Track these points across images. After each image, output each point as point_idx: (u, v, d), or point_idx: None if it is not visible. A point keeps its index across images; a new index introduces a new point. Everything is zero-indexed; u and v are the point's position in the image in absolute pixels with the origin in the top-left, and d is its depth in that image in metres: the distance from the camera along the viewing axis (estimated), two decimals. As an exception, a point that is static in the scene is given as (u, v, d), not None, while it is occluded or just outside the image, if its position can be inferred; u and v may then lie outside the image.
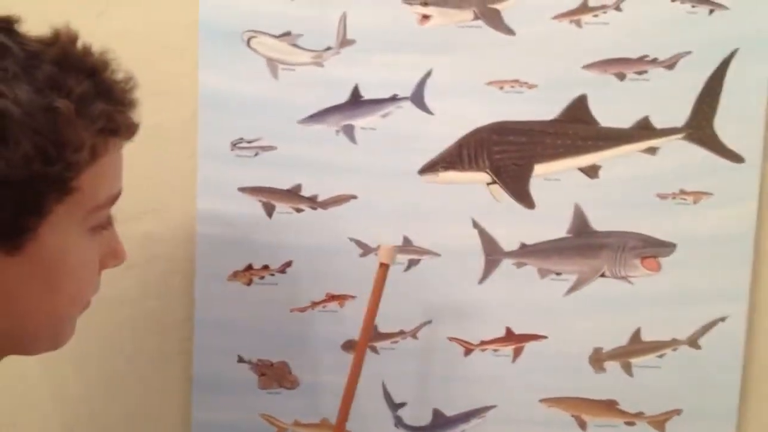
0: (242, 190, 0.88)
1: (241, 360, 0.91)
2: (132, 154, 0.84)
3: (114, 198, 0.52)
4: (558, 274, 0.87)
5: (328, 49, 0.85)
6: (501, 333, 0.88)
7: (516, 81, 0.84)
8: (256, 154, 0.87)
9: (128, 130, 0.52)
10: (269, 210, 0.88)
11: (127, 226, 0.85)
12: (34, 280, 0.48)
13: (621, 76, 0.84)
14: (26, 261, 0.46)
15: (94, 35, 0.88)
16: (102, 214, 0.51)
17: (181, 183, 0.89)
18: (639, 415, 0.88)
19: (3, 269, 0.46)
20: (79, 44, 0.51)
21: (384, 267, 0.80)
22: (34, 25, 0.88)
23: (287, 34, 0.84)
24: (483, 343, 0.89)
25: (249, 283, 0.89)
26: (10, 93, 0.42)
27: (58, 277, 0.50)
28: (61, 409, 0.96)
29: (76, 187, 0.47)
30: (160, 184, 0.90)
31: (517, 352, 0.88)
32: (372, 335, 0.84)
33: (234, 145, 0.87)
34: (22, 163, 0.42)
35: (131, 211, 0.86)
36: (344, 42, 0.84)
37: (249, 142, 0.86)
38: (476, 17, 0.83)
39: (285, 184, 0.88)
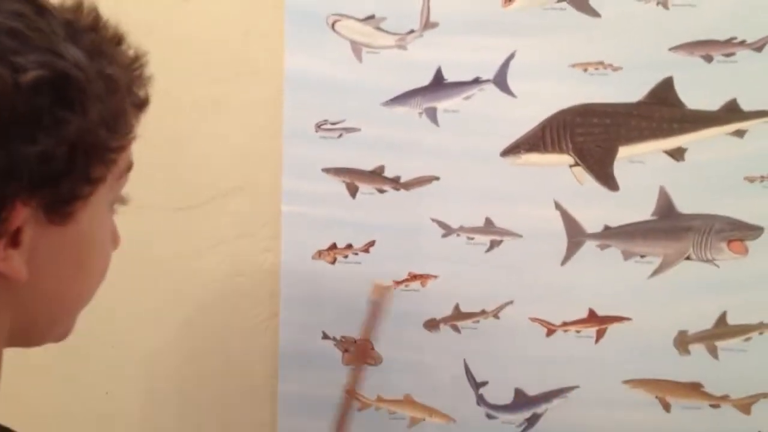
0: (326, 170, 0.96)
1: (325, 336, 1.00)
2: (219, 133, 0.96)
3: (130, 168, 0.52)
4: (642, 256, 0.92)
5: (412, 32, 0.92)
6: (583, 314, 0.95)
7: (600, 63, 0.89)
8: (340, 136, 0.95)
9: (146, 105, 0.52)
10: (353, 191, 0.97)
11: (216, 204, 0.97)
12: (68, 257, 0.48)
13: (708, 59, 0.89)
14: (64, 233, 0.46)
15: (181, 18, 0.99)
16: (119, 186, 0.51)
17: (267, 162, 0.98)
18: (724, 397, 0.93)
19: (44, 239, 0.45)
20: (100, 15, 0.49)
21: (374, 305, 0.87)
22: (128, 12, 1.00)
23: (371, 17, 0.93)
24: (565, 324, 0.95)
25: (333, 261, 0.98)
26: (69, 55, 0.43)
27: (89, 255, 0.50)
28: (150, 382, 1.07)
29: (115, 161, 0.48)
30: (247, 163, 0.99)
31: (600, 334, 0.95)
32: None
33: (318, 126, 0.95)
34: (89, 129, 0.44)
35: (220, 189, 0.98)
36: (428, 25, 0.92)
37: (333, 123, 0.95)
38: None
39: (368, 166, 0.96)
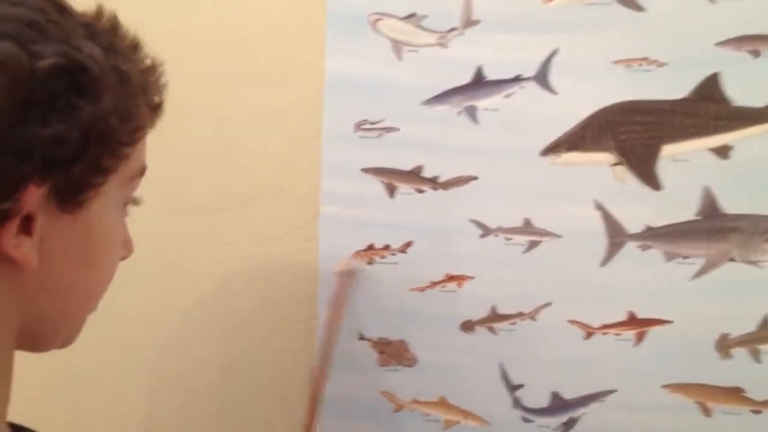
0: (365, 170, 0.97)
1: (361, 337, 1.01)
2: (259, 135, 0.97)
3: (143, 170, 0.54)
4: (685, 257, 0.92)
5: (453, 29, 0.93)
6: (623, 317, 0.94)
7: (645, 59, 0.89)
8: (379, 136, 0.96)
9: (160, 110, 0.54)
10: (391, 191, 0.97)
11: (255, 206, 0.98)
12: (77, 250, 0.49)
13: (756, 54, 0.88)
14: (74, 224, 0.48)
15: (222, 21, 1.01)
16: (132, 187, 0.53)
17: (306, 164, 0.99)
18: (766, 403, 0.92)
19: (55, 228, 0.46)
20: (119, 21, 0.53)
21: (338, 276, 0.89)
22: (164, 12, 1.01)
23: (412, 15, 0.94)
24: (604, 326, 0.95)
25: (370, 262, 0.99)
26: (85, 49, 0.45)
27: (97, 250, 0.51)
28: (187, 381, 1.08)
29: (128, 156, 0.50)
30: (286, 164, 1.01)
31: (640, 337, 0.94)
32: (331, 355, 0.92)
33: (358, 126, 0.96)
34: (101, 117, 0.45)
35: (259, 191, 0.99)
36: (469, 22, 0.92)
37: (372, 123, 0.96)
38: None
39: (407, 165, 0.96)
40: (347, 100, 0.95)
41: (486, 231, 0.96)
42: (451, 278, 0.98)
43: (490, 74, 0.92)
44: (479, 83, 0.92)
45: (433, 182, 0.95)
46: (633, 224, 0.93)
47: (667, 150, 0.91)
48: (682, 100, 0.89)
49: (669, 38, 0.88)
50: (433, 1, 0.92)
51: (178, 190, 0.97)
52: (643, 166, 0.90)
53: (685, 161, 0.90)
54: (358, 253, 0.98)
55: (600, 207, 0.93)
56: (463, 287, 0.98)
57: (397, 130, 0.95)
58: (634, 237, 0.93)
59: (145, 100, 0.52)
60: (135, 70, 0.53)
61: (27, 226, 0.48)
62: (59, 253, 0.48)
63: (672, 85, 0.89)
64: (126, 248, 0.56)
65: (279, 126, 0.99)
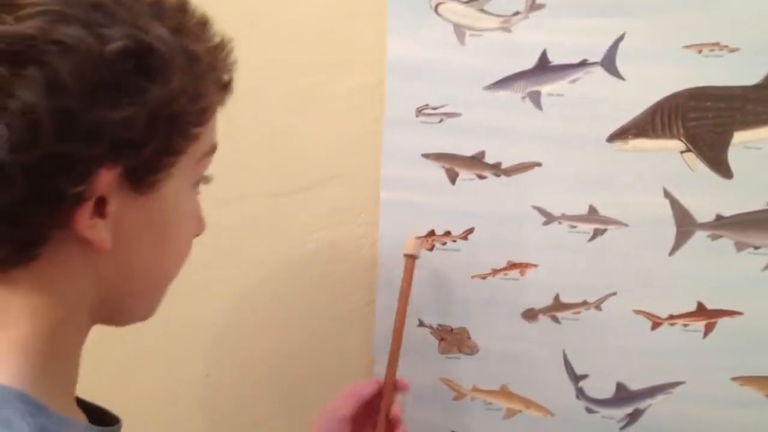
0: (426, 156, 0.97)
1: (421, 324, 1.01)
2: (320, 119, 0.98)
3: (214, 149, 0.55)
4: (756, 248, 0.90)
5: (517, 13, 0.92)
6: (692, 308, 0.93)
7: (716, 44, 0.87)
8: (440, 121, 0.96)
9: (229, 89, 0.55)
10: (452, 176, 0.97)
11: (314, 191, 0.99)
12: (152, 229, 0.51)
13: (833, 40, 0.84)
14: (147, 205, 0.50)
15: (283, 5, 1.02)
16: (203, 166, 0.54)
17: (366, 148, 1.00)
18: (841, 397, 0.88)
19: (128, 209, 0.48)
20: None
21: (410, 259, 0.89)
22: (231, 5, 1.02)
23: (475, -1, 0.93)
24: (672, 317, 0.94)
25: (431, 248, 0.99)
26: (152, 30, 0.46)
27: (172, 228, 0.53)
28: (248, 366, 1.10)
29: (198, 136, 0.51)
30: (346, 149, 1.01)
31: (709, 328, 0.93)
32: (401, 338, 0.91)
33: (419, 111, 0.96)
34: (169, 98, 0.46)
35: (318, 176, 1.00)
36: (533, 6, 0.91)
37: (434, 108, 0.96)
38: None
39: (469, 151, 0.97)
40: (409, 84, 0.95)
41: (549, 218, 0.96)
42: (513, 266, 0.98)
43: (555, 59, 0.91)
44: (543, 68, 0.91)
45: (496, 168, 0.95)
46: (703, 213, 0.92)
47: (739, 137, 0.89)
48: (755, 87, 0.87)
49: (741, 23, 0.86)
50: (496, -16, 0.87)
51: (238, 174, 0.99)
52: (714, 154, 0.89)
53: (757, 149, 0.89)
54: (419, 238, 0.97)
55: (668, 195, 0.92)
56: (526, 275, 0.98)
57: (459, 115, 0.95)
58: (704, 226, 0.91)
59: (213, 79, 0.53)
60: (203, 49, 0.54)
61: (101, 208, 0.50)
62: (134, 233, 0.50)
63: (744, 72, 0.87)
64: (199, 226, 0.57)
65: (340, 111, 0.99)
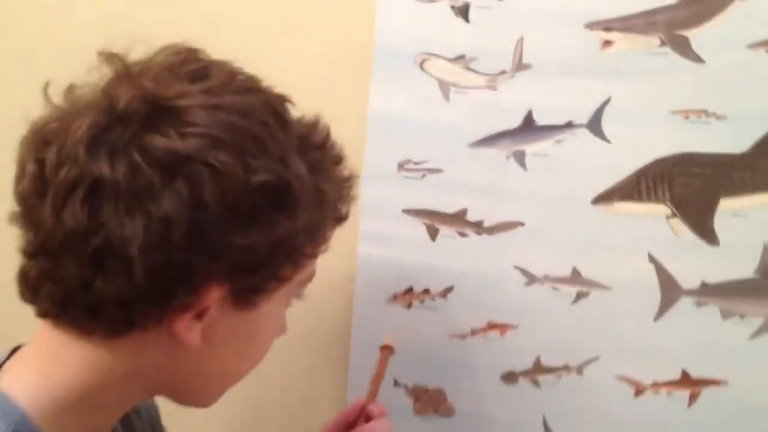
0: (407, 211, 0.98)
1: (396, 384, 1.01)
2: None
3: (311, 276, 0.60)
4: (742, 316, 0.92)
5: (503, 72, 0.94)
6: (676, 375, 0.94)
7: (703, 111, 0.89)
8: (422, 176, 0.97)
9: (344, 221, 0.61)
10: (433, 233, 0.98)
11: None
12: (240, 338, 0.55)
13: (821, 112, 0.86)
14: (243, 318, 0.54)
15: (273, 54, 1.03)
16: (301, 289, 0.60)
17: None
18: (827, 475, 0.89)
19: (225, 319, 0.53)
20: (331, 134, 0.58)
21: (386, 350, 0.90)
22: (211, 42, 1.03)
23: (461, 57, 0.95)
24: (656, 384, 0.95)
25: (409, 306, 1.00)
26: (294, 167, 0.51)
27: (257, 340, 0.58)
28: (210, 426, 1.09)
29: (305, 265, 0.56)
30: None
31: (693, 397, 0.94)
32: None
33: (401, 166, 0.97)
34: (291, 233, 0.51)
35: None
36: (520, 66, 0.93)
37: (416, 163, 0.97)
38: (662, 44, 0.89)
39: (451, 208, 0.98)
40: (391, 138, 0.96)
41: (532, 279, 0.96)
42: (493, 326, 0.99)
43: (541, 119, 0.93)
44: (529, 128, 0.93)
45: (478, 226, 0.96)
46: (688, 279, 0.93)
47: (726, 204, 0.91)
48: (743, 155, 0.89)
49: (729, 91, 0.89)
50: (483, 43, 0.93)
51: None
52: (700, 220, 0.91)
53: (744, 216, 0.90)
54: (396, 296, 0.99)
55: (653, 260, 0.93)
56: (506, 336, 0.98)
57: (442, 171, 0.96)
58: (689, 293, 0.93)
59: (334, 213, 0.58)
60: (333, 187, 0.59)
61: (200, 313, 0.53)
62: (222, 340, 0.54)
63: (731, 140, 0.89)
64: (281, 330, 0.63)
65: (319, 162, 0.96)
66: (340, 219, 0.59)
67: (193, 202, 0.46)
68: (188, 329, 0.50)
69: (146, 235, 0.45)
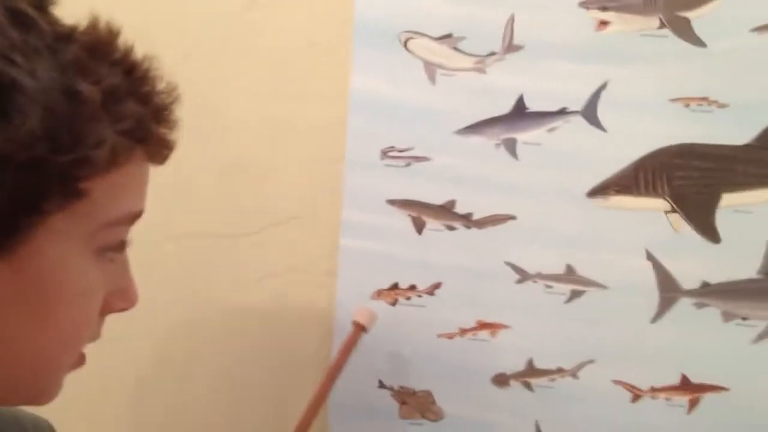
0: (391, 202, 1.00)
1: (381, 386, 1.03)
2: (277, 157, 1.00)
3: (132, 217, 0.50)
4: (744, 319, 0.93)
5: (492, 54, 0.95)
6: (675, 380, 0.96)
7: (705, 99, 0.91)
8: (407, 165, 0.99)
9: (161, 145, 0.51)
10: (419, 226, 1.00)
11: (268, 233, 1.01)
12: (21, 301, 0.46)
13: (830, 100, 0.86)
14: (15, 272, 0.45)
15: (239, 29, 1.05)
16: (113, 233, 0.49)
17: (326, 191, 1.01)
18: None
19: None
20: (121, 39, 0.50)
21: (358, 328, 0.90)
22: (179, 18, 1.05)
23: (448, 36, 0.96)
24: (654, 390, 0.97)
25: (394, 303, 1.02)
26: (27, 65, 0.43)
27: (51, 304, 0.47)
28: (190, 421, 1.11)
29: (85, 192, 0.45)
30: (304, 191, 1.03)
31: (693, 403, 0.96)
32: (323, 401, 0.91)
33: (384, 153, 0.99)
34: (25, 141, 0.42)
35: (273, 218, 1.01)
36: (510, 47, 0.95)
37: (401, 151, 0.98)
38: (662, 25, 0.90)
39: (438, 199, 0.99)
40: (374, 123, 0.97)
41: (524, 276, 0.98)
42: (483, 326, 1.00)
43: (533, 105, 0.94)
44: (520, 114, 0.94)
45: (467, 219, 0.97)
46: (688, 279, 0.94)
47: (728, 199, 0.92)
48: (746, 147, 0.91)
49: (731, 78, 0.90)
50: (471, 22, 0.94)
51: (184, 211, 1.00)
52: (701, 216, 0.92)
53: (747, 213, 0.92)
54: (380, 292, 1.00)
55: (651, 257, 0.94)
56: (497, 337, 1.00)
57: (428, 159, 0.97)
58: (689, 293, 0.94)
59: (113, 125, 0.48)
60: (97, 90, 0.49)
61: None
62: (0, 302, 0.45)
63: (734, 129, 0.91)
64: (124, 299, 0.53)
65: (299, 147, 1.01)
66: (132, 135, 0.49)
67: None
68: None
69: None
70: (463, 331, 0.99)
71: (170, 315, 1.04)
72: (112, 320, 0.57)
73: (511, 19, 0.93)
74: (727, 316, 0.91)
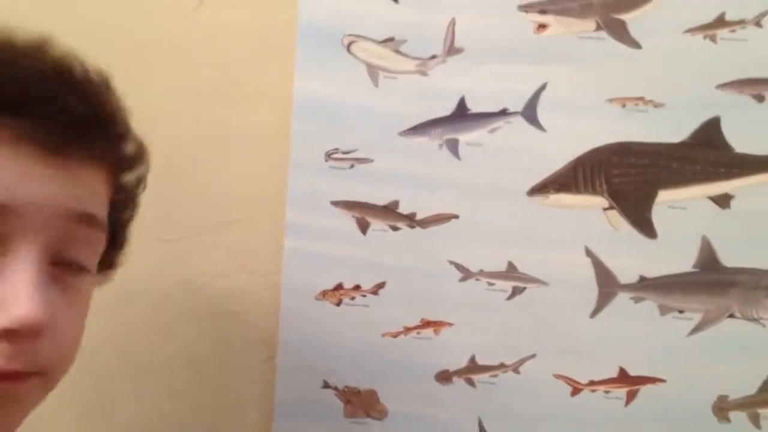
0: (335, 203, 1.00)
1: (326, 385, 1.03)
2: (219, 158, 0.99)
3: None
4: (680, 312, 0.95)
5: (434, 57, 0.96)
6: (614, 373, 0.98)
7: (641, 99, 0.93)
8: (351, 166, 0.99)
9: (36, 129, 0.43)
10: (363, 226, 1.00)
11: (211, 236, 1.01)
12: None
13: (759, 98, 0.92)
14: None
15: (186, 31, 1.04)
16: None
17: (270, 193, 1.02)
18: (766, 472, 0.92)
19: None
20: None
21: None
22: (128, 20, 1.04)
23: (390, 39, 0.97)
24: (593, 383, 0.98)
25: (338, 303, 1.01)
26: None
27: None
28: (138, 420, 1.09)
29: None
30: (248, 192, 1.03)
31: (631, 396, 0.98)
32: None
33: (328, 155, 0.99)
34: None
35: (217, 220, 1.01)
36: (452, 50, 0.96)
37: (345, 152, 0.99)
38: (599, 28, 0.92)
39: (381, 200, 0.99)
40: (318, 125, 0.97)
41: (466, 274, 0.98)
42: (426, 324, 1.01)
43: (474, 106, 0.95)
44: (462, 115, 0.95)
45: (410, 219, 0.97)
46: (626, 274, 0.96)
47: (664, 196, 0.94)
48: (680, 144, 0.93)
49: (666, 78, 0.92)
50: (413, 25, 0.95)
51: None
52: (638, 212, 0.94)
53: (682, 209, 0.94)
54: (325, 292, 1.00)
55: (590, 254, 0.96)
56: (440, 334, 1.00)
57: (371, 161, 0.98)
58: (627, 288, 0.96)
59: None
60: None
61: None
62: None
63: (669, 128, 0.93)
64: (7, 310, 0.42)
65: (242, 149, 1.01)
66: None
67: None
68: None
69: None
70: (407, 330, 0.99)
71: (119, 316, 1.05)
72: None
73: (452, 23, 0.93)
74: (664, 309, 0.93)
